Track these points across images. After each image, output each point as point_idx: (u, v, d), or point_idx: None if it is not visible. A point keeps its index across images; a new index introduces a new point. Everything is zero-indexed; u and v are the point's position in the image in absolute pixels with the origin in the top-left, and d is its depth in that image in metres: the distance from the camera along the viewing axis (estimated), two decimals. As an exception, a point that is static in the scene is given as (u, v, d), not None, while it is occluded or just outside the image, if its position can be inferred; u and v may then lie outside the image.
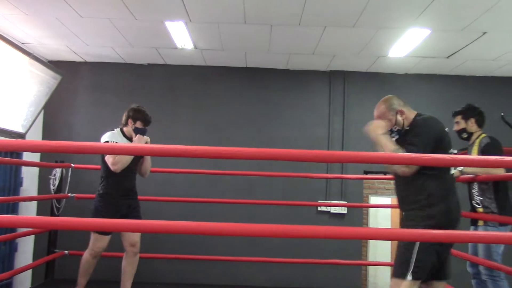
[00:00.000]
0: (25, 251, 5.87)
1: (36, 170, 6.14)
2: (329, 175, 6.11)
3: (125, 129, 4.04)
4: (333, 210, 6.29)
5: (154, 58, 6.29)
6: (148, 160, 4.14)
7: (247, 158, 2.26)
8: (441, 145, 2.82)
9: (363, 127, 3.04)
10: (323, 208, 6.25)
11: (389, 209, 8.34)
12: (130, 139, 3.99)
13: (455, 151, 3.10)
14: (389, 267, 5.42)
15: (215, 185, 6.21)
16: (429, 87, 6.51)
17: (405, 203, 2.96)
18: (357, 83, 6.52)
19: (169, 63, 6.50)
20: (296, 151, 2.37)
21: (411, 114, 3.02)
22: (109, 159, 3.80)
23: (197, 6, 4.55)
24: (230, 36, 5.35)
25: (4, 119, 5.14)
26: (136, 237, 4.01)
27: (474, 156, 3.84)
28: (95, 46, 5.84)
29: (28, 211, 5.91)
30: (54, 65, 5.97)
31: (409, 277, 2.69)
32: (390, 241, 7.90)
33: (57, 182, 4.90)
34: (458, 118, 4.10)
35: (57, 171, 4.91)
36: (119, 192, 3.93)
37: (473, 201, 4.00)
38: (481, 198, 3.92)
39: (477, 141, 3.98)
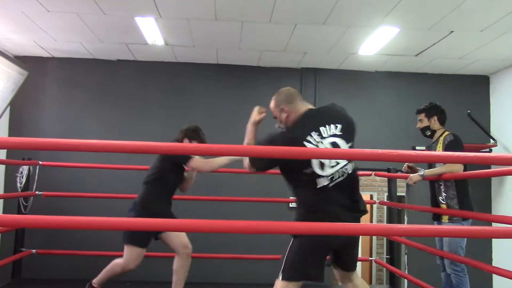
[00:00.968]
0: (-9, 251, 5.74)
1: (2, 167, 6.00)
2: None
3: None
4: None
5: (124, 54, 6.21)
6: (193, 177, 4.12)
7: (213, 155, 2.26)
8: (290, 164, 2.62)
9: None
10: (294, 205, 6.25)
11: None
12: None
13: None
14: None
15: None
16: (398, 85, 6.61)
17: None
18: (328, 81, 6.57)
19: (140, 59, 6.43)
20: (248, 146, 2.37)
21: (301, 110, 2.78)
22: (195, 162, 3.73)
23: (168, 2, 4.51)
24: (201, 32, 5.32)
25: (-32, 115, 5.01)
26: (185, 238, 3.87)
27: (438, 152, 3.94)
28: (63, 41, 5.73)
29: (-6, 209, 5.78)
30: (21, 60, 5.82)
31: (280, 276, 2.57)
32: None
33: (24, 180, 4.78)
34: (422, 116, 4.20)
35: (24, 169, 4.80)
36: (162, 201, 3.86)
37: (440, 197, 4.09)
38: (445, 194, 4.03)
39: (441, 138, 4.09)
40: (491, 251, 6.33)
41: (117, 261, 3.83)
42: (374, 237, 9.27)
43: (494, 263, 6.03)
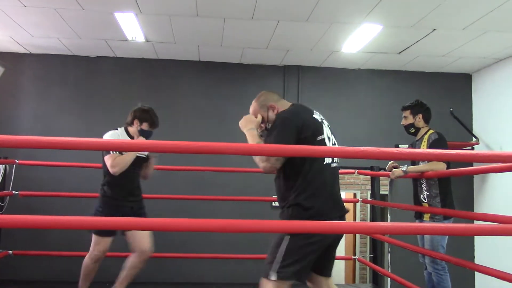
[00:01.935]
0: (-34, 252, 5.59)
1: (-23, 166, 5.85)
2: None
3: (130, 129, 3.78)
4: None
5: (103, 50, 6.09)
6: (153, 162, 3.94)
7: (194, 153, 2.20)
8: (304, 134, 2.59)
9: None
10: (277, 204, 6.21)
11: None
12: None
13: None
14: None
15: (167, 180, 6.07)
16: (381, 82, 6.61)
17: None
18: (311, 78, 6.53)
19: (120, 55, 6.31)
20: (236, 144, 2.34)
21: (288, 105, 2.83)
22: (108, 160, 3.55)
23: (148, -3, 4.43)
24: (182, 29, 5.24)
25: None
26: (149, 242, 3.72)
27: (422, 149, 3.93)
28: (40, 37, 5.60)
29: (-31, 210, 5.63)
30: (-4, 56, 5.70)
31: (273, 277, 2.49)
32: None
33: (0, 179, 4.70)
34: (407, 113, 4.20)
35: (0, 168, 4.70)
36: (120, 194, 3.70)
37: (421, 196, 4.09)
38: (428, 193, 4.02)
39: (426, 136, 4.09)
40: (473, 249, 6.37)
41: (84, 261, 3.78)
42: (358, 236, 9.28)
43: (476, 261, 6.06)
